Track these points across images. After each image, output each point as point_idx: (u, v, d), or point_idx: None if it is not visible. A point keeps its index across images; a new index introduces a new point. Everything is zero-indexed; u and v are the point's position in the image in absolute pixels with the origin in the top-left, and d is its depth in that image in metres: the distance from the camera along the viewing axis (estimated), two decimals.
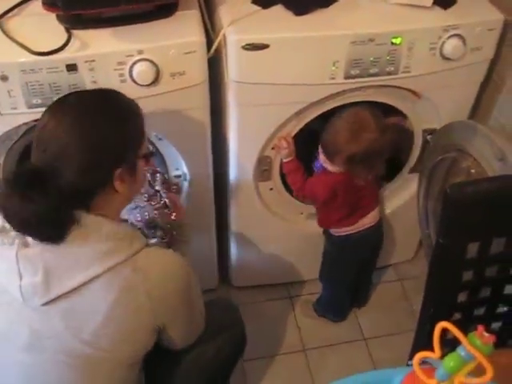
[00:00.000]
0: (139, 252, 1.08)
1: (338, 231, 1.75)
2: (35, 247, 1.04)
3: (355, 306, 2.03)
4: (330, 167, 1.58)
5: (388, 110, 1.69)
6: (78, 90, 1.27)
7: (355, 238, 1.74)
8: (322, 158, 1.58)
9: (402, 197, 1.89)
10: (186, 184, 1.65)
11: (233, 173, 1.65)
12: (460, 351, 0.73)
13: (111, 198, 1.11)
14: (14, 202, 0.98)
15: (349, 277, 1.91)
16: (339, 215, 1.69)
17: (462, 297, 1.22)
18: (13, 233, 1.05)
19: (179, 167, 1.61)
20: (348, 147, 1.48)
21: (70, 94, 1.17)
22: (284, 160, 1.63)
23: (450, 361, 0.73)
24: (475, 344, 0.73)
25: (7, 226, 1.04)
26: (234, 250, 1.91)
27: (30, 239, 1.05)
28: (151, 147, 1.26)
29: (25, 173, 1.02)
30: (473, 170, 1.54)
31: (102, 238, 1.05)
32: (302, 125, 1.57)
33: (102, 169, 1.07)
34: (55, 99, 1.16)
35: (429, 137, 1.69)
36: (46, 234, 1.03)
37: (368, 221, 1.73)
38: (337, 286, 1.94)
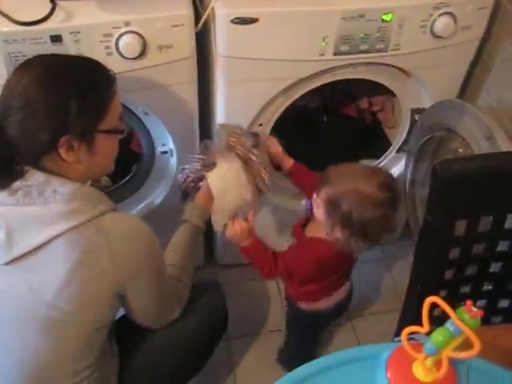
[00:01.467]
0: (104, 214, 1.07)
1: (309, 306, 1.52)
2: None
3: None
4: (326, 231, 1.31)
5: (376, 88, 1.69)
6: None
7: (328, 312, 1.53)
8: (321, 216, 1.31)
9: None
10: (172, 160, 1.64)
11: None
12: (448, 325, 0.73)
13: (64, 165, 1.08)
14: None
15: (318, 342, 1.76)
16: (315, 288, 1.45)
17: (448, 274, 1.22)
18: None
19: (166, 143, 1.59)
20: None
21: (42, 55, 1.14)
22: (243, 244, 1.39)
23: (439, 335, 0.73)
24: (463, 318, 0.73)
25: None
26: None
27: None
28: (127, 128, 1.20)
29: None
30: (461, 150, 1.55)
31: (66, 197, 1.03)
32: (290, 101, 1.56)
33: (47, 130, 1.05)
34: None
35: (417, 116, 1.69)
36: None
37: (345, 291, 1.53)
38: (305, 350, 1.72)
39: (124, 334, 1.27)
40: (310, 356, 1.38)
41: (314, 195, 1.32)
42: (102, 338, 1.16)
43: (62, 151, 1.06)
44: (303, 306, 1.52)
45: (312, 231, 1.40)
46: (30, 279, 1.03)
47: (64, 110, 1.05)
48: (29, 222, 1.02)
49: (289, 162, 1.52)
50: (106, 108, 1.12)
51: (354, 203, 1.22)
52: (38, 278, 1.03)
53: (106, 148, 1.15)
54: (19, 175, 1.04)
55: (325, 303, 1.50)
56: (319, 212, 1.31)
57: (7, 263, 1.02)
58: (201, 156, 1.45)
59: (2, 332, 1.08)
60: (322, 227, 1.31)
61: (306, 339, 1.68)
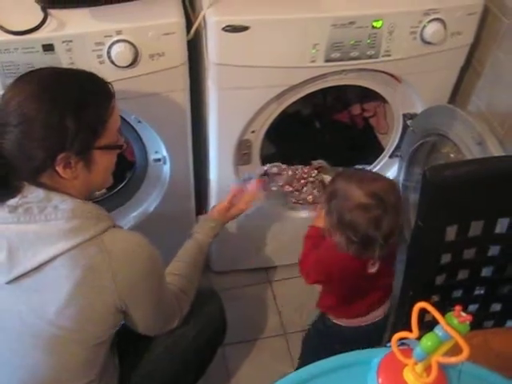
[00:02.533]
0: (105, 231, 1.06)
1: (337, 319, 1.48)
2: (0, 225, 1.03)
3: None
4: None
5: (368, 94, 1.69)
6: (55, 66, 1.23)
7: (356, 331, 1.47)
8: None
9: None
10: (165, 167, 1.64)
11: (212, 156, 1.64)
12: (437, 331, 0.74)
13: (63, 181, 1.08)
14: None
15: None
16: (338, 302, 1.43)
17: (440, 279, 1.23)
18: None
19: (159, 150, 1.60)
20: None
21: (39, 69, 1.14)
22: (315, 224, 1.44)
23: (428, 340, 0.74)
24: (452, 323, 0.74)
25: None
26: None
27: None
28: (123, 140, 1.20)
29: None
30: (452, 155, 1.56)
31: (67, 214, 1.03)
32: (282, 108, 1.56)
33: (44, 148, 1.04)
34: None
35: (409, 121, 1.70)
36: None
37: (377, 314, 1.45)
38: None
39: (122, 343, 1.26)
40: None
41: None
42: (103, 353, 1.15)
43: (59, 168, 1.06)
44: (333, 318, 1.48)
45: None
46: (32, 298, 1.03)
47: (61, 128, 1.03)
48: (30, 240, 1.02)
49: None
50: (105, 124, 1.11)
51: (340, 202, 1.26)
52: (39, 297, 1.03)
53: (104, 163, 1.14)
54: (17, 191, 1.03)
55: (356, 321, 1.45)
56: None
57: (8, 282, 1.02)
58: None
59: (3, 351, 1.07)
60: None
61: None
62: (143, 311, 1.17)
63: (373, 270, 1.31)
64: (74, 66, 1.29)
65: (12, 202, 1.03)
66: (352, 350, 1.31)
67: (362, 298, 1.41)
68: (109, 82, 1.15)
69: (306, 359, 1.64)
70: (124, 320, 1.16)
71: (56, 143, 1.04)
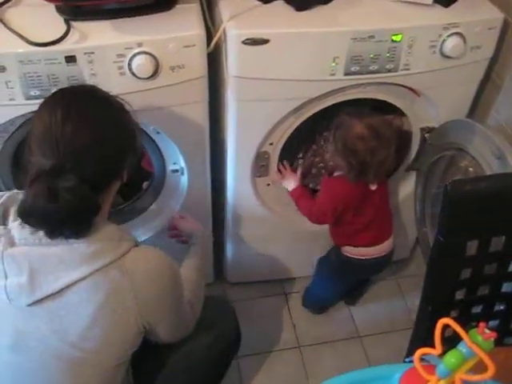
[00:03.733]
0: (127, 253, 1.06)
1: (351, 252, 1.75)
2: (21, 247, 1.02)
3: (348, 303, 2.03)
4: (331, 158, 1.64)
5: (387, 107, 1.69)
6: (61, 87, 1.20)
7: (365, 264, 1.76)
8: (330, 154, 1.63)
9: (399, 195, 1.89)
10: (183, 178, 1.65)
11: (230, 168, 1.65)
12: (461, 347, 0.73)
13: (108, 195, 1.12)
14: (40, 199, 0.97)
15: (345, 288, 1.94)
16: (352, 229, 1.70)
17: (459, 294, 1.22)
18: (1, 230, 1.04)
19: (177, 161, 1.60)
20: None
21: (60, 90, 1.14)
22: (289, 188, 1.71)
23: (451, 357, 0.73)
24: (476, 340, 0.73)
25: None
26: (229, 245, 1.91)
27: (16, 238, 1.03)
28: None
29: (49, 171, 1.00)
30: (471, 169, 1.55)
31: (88, 237, 1.03)
32: (300, 121, 1.57)
33: (119, 157, 1.10)
34: (46, 96, 1.13)
35: (427, 135, 1.69)
36: (73, 229, 1.02)
37: (383, 249, 1.74)
38: (331, 290, 1.95)
39: (136, 356, 1.24)
40: (329, 303, 2.00)
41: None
42: (121, 373, 1.15)
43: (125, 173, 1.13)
44: (346, 252, 1.75)
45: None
46: (53, 321, 1.02)
47: (124, 132, 1.13)
48: (52, 263, 1.01)
49: None
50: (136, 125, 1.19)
51: (343, 132, 1.54)
52: (61, 321, 1.02)
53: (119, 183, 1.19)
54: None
55: (366, 254, 1.73)
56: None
57: (29, 305, 1.01)
58: None
59: (26, 372, 1.06)
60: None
61: (337, 284, 1.91)
62: (164, 326, 1.17)
63: (373, 187, 1.63)
64: (96, 78, 1.31)
65: None
66: (358, 277, 1.88)
67: (367, 227, 1.69)
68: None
69: (319, 280, 1.94)
70: (145, 334, 1.16)
71: (126, 157, 1.13)
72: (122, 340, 1.09)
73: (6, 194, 1.13)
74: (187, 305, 1.26)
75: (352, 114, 1.54)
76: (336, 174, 1.68)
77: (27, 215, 1.00)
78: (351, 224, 1.69)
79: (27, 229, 1.02)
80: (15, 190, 1.16)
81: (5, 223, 1.07)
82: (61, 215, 0.98)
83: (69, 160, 1.00)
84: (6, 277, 1.01)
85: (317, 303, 1.99)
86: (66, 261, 1.01)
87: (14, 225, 1.04)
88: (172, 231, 1.56)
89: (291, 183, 1.72)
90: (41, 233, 1.02)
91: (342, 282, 1.91)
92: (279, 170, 1.72)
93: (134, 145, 1.15)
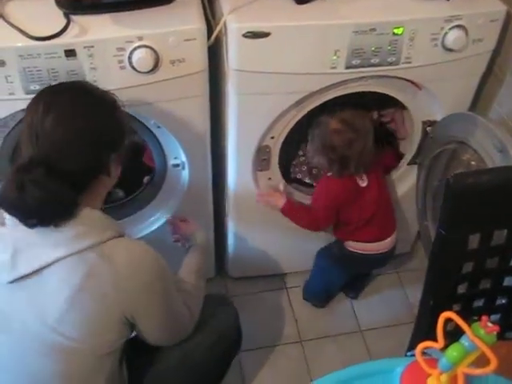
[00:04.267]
0: (108, 241, 1.07)
1: (354, 247, 1.77)
2: (11, 227, 1.05)
3: (350, 296, 2.03)
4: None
5: (388, 101, 1.68)
6: (56, 83, 1.22)
7: (368, 258, 1.78)
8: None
9: (401, 188, 1.88)
10: (184, 173, 1.64)
11: (231, 162, 1.64)
12: (463, 341, 0.73)
13: (95, 189, 1.12)
14: (7, 189, 0.99)
15: (345, 280, 1.95)
16: (353, 227, 1.72)
17: (461, 288, 1.21)
18: None
19: (178, 156, 1.60)
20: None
21: (48, 86, 1.17)
22: (279, 206, 1.71)
23: (453, 351, 0.73)
24: (479, 334, 0.73)
25: None
26: (231, 240, 1.90)
27: (6, 219, 1.05)
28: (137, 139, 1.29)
29: (32, 161, 1.02)
30: (473, 162, 1.54)
31: (74, 220, 1.05)
32: (301, 115, 1.56)
33: (102, 153, 1.09)
34: (40, 90, 1.16)
35: (429, 128, 1.69)
36: (53, 217, 1.03)
37: (386, 245, 1.76)
38: (330, 282, 1.95)
39: (135, 354, 1.25)
40: (330, 294, 1.99)
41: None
42: (111, 363, 1.15)
43: (113, 169, 1.13)
44: (349, 246, 1.77)
45: None
46: (33, 301, 1.03)
47: (112, 128, 1.13)
48: (34, 242, 1.03)
49: None
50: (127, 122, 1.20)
51: (320, 130, 1.61)
52: (39, 300, 1.03)
53: (118, 171, 1.20)
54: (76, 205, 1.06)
55: (369, 248, 1.75)
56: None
57: (10, 282, 1.03)
58: None
59: (8, 354, 1.07)
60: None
61: (338, 276, 1.92)
62: (152, 322, 1.15)
63: (363, 184, 1.67)
64: (96, 72, 1.31)
65: None
66: (360, 270, 1.91)
67: (369, 223, 1.71)
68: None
69: (320, 272, 1.94)
70: (135, 331, 1.16)
71: (109, 146, 1.12)
72: (105, 328, 1.08)
73: None
74: (183, 306, 1.24)
75: (327, 113, 1.60)
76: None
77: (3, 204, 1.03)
78: (351, 222, 1.71)
79: None
80: None
81: None
82: (28, 206, 1.00)
83: (46, 153, 1.03)
84: None
85: (317, 296, 1.99)
86: (47, 241, 1.03)
87: None
88: (175, 235, 1.58)
89: (279, 201, 1.71)
90: None
91: (342, 275, 1.92)
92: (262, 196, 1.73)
93: (121, 141, 1.15)
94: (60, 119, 1.05)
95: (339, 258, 1.83)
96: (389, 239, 1.76)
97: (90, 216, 1.08)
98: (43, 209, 1.01)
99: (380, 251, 1.76)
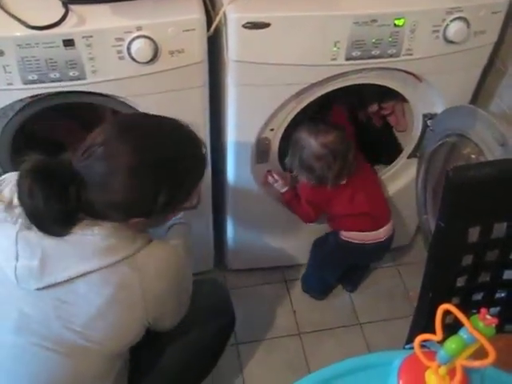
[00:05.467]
0: (140, 251, 1.07)
1: (350, 237, 1.77)
2: (37, 231, 1.02)
3: (347, 289, 2.03)
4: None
5: (388, 93, 1.68)
6: (157, 115, 1.17)
7: (365, 248, 1.78)
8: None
9: (401, 182, 1.88)
10: None
11: (230, 154, 1.64)
12: (462, 333, 0.73)
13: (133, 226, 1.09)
14: (35, 195, 0.98)
15: (342, 270, 1.95)
16: (346, 219, 1.74)
17: (460, 282, 1.21)
18: (17, 210, 1.03)
19: None
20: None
21: (146, 121, 1.13)
22: (281, 191, 1.73)
23: (452, 343, 0.73)
24: (477, 326, 0.72)
25: (15, 201, 1.03)
26: (230, 232, 1.90)
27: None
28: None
29: (58, 168, 1.01)
30: (473, 156, 1.53)
31: (104, 232, 1.04)
32: (301, 107, 1.55)
33: (127, 214, 1.05)
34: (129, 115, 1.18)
35: (429, 121, 1.68)
36: (50, 230, 1.02)
37: (382, 234, 1.76)
38: (327, 273, 1.96)
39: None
40: (328, 285, 1.99)
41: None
42: (120, 362, 1.16)
43: (130, 224, 1.07)
44: (344, 236, 1.78)
45: None
46: (60, 308, 1.03)
47: (152, 201, 1.04)
48: (64, 252, 1.02)
49: None
50: (193, 191, 1.13)
51: (300, 150, 1.62)
52: (67, 308, 1.03)
53: (170, 217, 1.19)
54: (78, 221, 1.04)
55: (364, 239, 1.75)
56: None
57: (38, 289, 1.02)
58: None
59: (27, 355, 1.06)
60: None
61: (334, 266, 1.94)
62: (166, 318, 1.18)
63: (343, 181, 1.67)
64: (94, 62, 1.30)
65: None
66: (357, 261, 1.89)
67: (360, 213, 1.71)
68: (203, 144, 1.15)
69: (318, 262, 1.96)
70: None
71: (140, 212, 1.06)
72: (127, 333, 1.10)
73: None
74: (187, 297, 1.26)
75: (308, 131, 1.61)
76: None
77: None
78: (340, 214, 1.74)
79: None
80: None
81: None
82: (43, 214, 1.00)
83: (85, 176, 1.01)
84: (17, 258, 1.02)
85: (315, 287, 2.00)
86: (79, 251, 1.02)
87: None
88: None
89: (283, 188, 1.73)
90: None
91: (338, 265, 1.92)
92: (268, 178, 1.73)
93: (176, 192, 1.08)
94: (123, 154, 1.01)
95: (334, 247, 1.83)
96: (383, 228, 1.75)
97: (121, 227, 1.06)
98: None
99: (375, 241, 1.76)
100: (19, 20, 1.24)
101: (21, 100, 1.35)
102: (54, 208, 0.98)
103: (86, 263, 1.01)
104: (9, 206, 1.05)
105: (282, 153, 1.71)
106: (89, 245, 1.02)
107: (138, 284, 1.05)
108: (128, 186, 1.01)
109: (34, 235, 1.02)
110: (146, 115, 1.20)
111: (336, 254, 1.87)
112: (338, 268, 1.94)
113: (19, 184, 1.00)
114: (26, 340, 1.05)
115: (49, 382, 1.07)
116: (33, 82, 1.29)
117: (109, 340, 1.07)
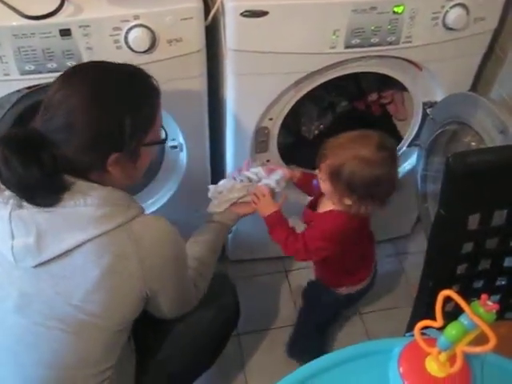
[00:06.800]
0: (135, 219, 1.07)
1: (343, 289, 1.57)
2: (30, 209, 1.02)
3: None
4: (336, 202, 1.35)
5: (388, 82, 1.67)
6: (98, 60, 1.17)
7: (357, 294, 1.59)
8: (328, 189, 1.34)
9: (401, 170, 1.86)
10: (182, 155, 1.63)
11: (229, 144, 1.63)
12: (462, 320, 0.72)
13: (106, 176, 1.09)
14: (11, 164, 0.98)
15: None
16: (351, 268, 1.52)
17: (461, 269, 1.21)
18: (7, 192, 1.03)
19: (175, 137, 1.58)
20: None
21: (88, 64, 1.15)
22: (266, 213, 1.44)
23: (452, 329, 0.72)
24: (478, 312, 0.72)
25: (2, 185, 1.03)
26: None
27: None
28: (164, 133, 1.24)
29: (27, 135, 1.01)
30: (473, 143, 1.53)
31: (97, 201, 1.03)
32: (300, 96, 1.54)
33: (100, 151, 1.06)
34: (71, 66, 1.15)
35: (429, 110, 1.67)
36: (39, 200, 1.02)
37: (370, 273, 1.58)
38: (313, 329, 1.80)
39: (139, 329, 1.26)
40: (321, 347, 1.75)
41: (317, 171, 1.36)
42: (123, 339, 1.16)
43: (111, 168, 1.07)
44: (338, 290, 1.57)
45: (323, 207, 1.43)
46: (58, 283, 1.03)
47: (118, 132, 1.05)
48: (58, 225, 1.02)
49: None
50: (154, 121, 1.14)
51: (354, 168, 1.25)
52: (66, 283, 1.03)
53: (148, 158, 1.17)
54: (66, 187, 1.03)
55: (359, 284, 1.56)
56: (326, 186, 1.34)
57: (35, 266, 1.02)
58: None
59: (30, 334, 1.07)
60: (331, 200, 1.37)
61: (322, 326, 1.77)
62: (166, 296, 1.17)
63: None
64: (92, 52, 1.29)
65: None
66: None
67: (363, 261, 1.53)
68: (152, 77, 1.16)
69: (309, 315, 1.78)
70: (145, 306, 1.16)
71: (111, 146, 1.06)
72: (126, 305, 1.09)
73: None
74: (190, 282, 1.26)
75: (353, 152, 1.27)
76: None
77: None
78: (348, 259, 1.48)
79: None
80: None
81: None
82: (26, 183, 1.00)
83: (52, 134, 1.02)
84: (13, 237, 1.02)
85: (305, 355, 1.69)
86: (73, 223, 1.02)
87: None
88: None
89: (270, 208, 1.43)
90: None
91: (328, 318, 1.80)
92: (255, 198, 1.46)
93: (131, 141, 1.08)
94: (74, 99, 1.04)
95: (334, 304, 1.66)
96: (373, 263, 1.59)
97: (113, 195, 1.07)
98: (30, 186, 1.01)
99: (369, 280, 1.58)
100: (15, 10, 1.23)
101: (18, 91, 1.34)
102: (34, 173, 0.98)
103: (81, 233, 1.01)
104: None
105: (282, 142, 1.70)
106: (83, 216, 1.02)
107: (134, 252, 1.04)
108: (89, 122, 1.03)
109: (27, 212, 1.02)
110: (86, 62, 1.22)
111: (330, 309, 1.71)
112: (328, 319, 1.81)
113: None
114: (28, 320, 1.05)
115: (53, 361, 1.08)
116: (30, 72, 1.29)
117: (108, 311, 1.06)
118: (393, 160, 1.30)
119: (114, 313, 1.08)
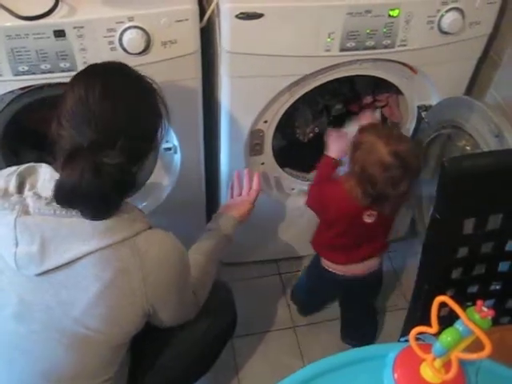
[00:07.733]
0: (140, 234, 1.06)
1: (331, 267, 1.62)
2: (35, 216, 1.01)
3: (346, 342, 1.85)
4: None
5: (383, 85, 1.67)
6: (93, 63, 1.16)
7: (346, 280, 1.62)
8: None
9: None
10: (176, 157, 1.62)
11: (224, 146, 1.62)
12: (458, 326, 0.72)
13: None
14: (84, 175, 0.97)
15: (323, 299, 1.90)
16: (328, 243, 1.57)
17: (456, 273, 1.21)
18: (14, 198, 1.03)
19: (169, 139, 1.58)
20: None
21: (93, 66, 1.13)
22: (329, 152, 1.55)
23: (448, 336, 0.72)
24: (473, 318, 0.72)
25: (11, 189, 1.03)
26: None
27: (30, 207, 1.02)
28: None
29: (95, 147, 1.00)
30: (468, 147, 1.53)
31: None
32: (295, 98, 1.54)
33: (150, 137, 1.11)
34: (79, 71, 1.13)
35: (423, 113, 1.67)
36: (98, 210, 1.02)
37: (368, 266, 1.59)
38: (308, 295, 1.87)
39: (135, 336, 1.24)
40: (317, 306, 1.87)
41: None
42: (122, 353, 1.15)
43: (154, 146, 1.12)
44: (327, 266, 1.62)
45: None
46: (60, 293, 1.02)
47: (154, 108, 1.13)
48: (63, 234, 1.01)
49: None
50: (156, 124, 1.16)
51: (364, 155, 1.34)
52: (67, 293, 1.02)
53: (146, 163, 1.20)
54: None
55: (347, 270, 1.58)
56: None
57: (37, 275, 1.01)
58: None
59: (28, 342, 1.06)
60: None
61: (320, 297, 1.85)
62: (167, 311, 1.16)
63: (369, 220, 1.43)
64: (86, 53, 1.29)
65: (48, 194, 1.02)
66: (351, 297, 1.72)
67: (358, 246, 1.52)
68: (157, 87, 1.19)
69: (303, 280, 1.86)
70: (147, 318, 1.15)
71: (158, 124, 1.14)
72: (128, 321, 1.08)
73: (24, 165, 1.12)
74: (192, 294, 1.25)
75: (377, 133, 1.35)
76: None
77: (70, 193, 0.99)
78: (328, 238, 1.56)
79: (43, 199, 1.02)
80: (32, 163, 1.13)
81: (21, 192, 1.06)
82: (103, 191, 0.99)
83: (107, 137, 1.00)
84: (17, 244, 1.01)
85: (298, 302, 1.92)
86: (78, 233, 1.01)
87: (30, 194, 1.04)
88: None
89: (334, 150, 1.54)
90: (55, 204, 1.01)
91: (318, 292, 1.82)
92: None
93: (161, 123, 1.15)
94: (118, 102, 1.04)
95: (319, 276, 1.70)
96: (376, 259, 1.60)
97: (121, 208, 1.06)
98: (113, 194, 1.01)
99: (366, 272, 1.59)
100: (8, 10, 1.22)
101: (11, 92, 1.34)
102: (104, 185, 0.99)
103: (84, 244, 1.00)
104: (5, 194, 1.05)
105: (276, 145, 1.70)
106: (88, 227, 1.01)
107: (137, 268, 1.03)
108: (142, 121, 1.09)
109: (33, 220, 1.01)
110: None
111: (315, 279, 1.76)
112: (319, 295, 1.85)
113: (69, 163, 0.99)
114: (27, 328, 1.04)
115: (47, 371, 1.07)
116: (23, 73, 1.28)
117: (108, 327, 1.05)
118: (402, 171, 1.31)
119: (114, 328, 1.07)
